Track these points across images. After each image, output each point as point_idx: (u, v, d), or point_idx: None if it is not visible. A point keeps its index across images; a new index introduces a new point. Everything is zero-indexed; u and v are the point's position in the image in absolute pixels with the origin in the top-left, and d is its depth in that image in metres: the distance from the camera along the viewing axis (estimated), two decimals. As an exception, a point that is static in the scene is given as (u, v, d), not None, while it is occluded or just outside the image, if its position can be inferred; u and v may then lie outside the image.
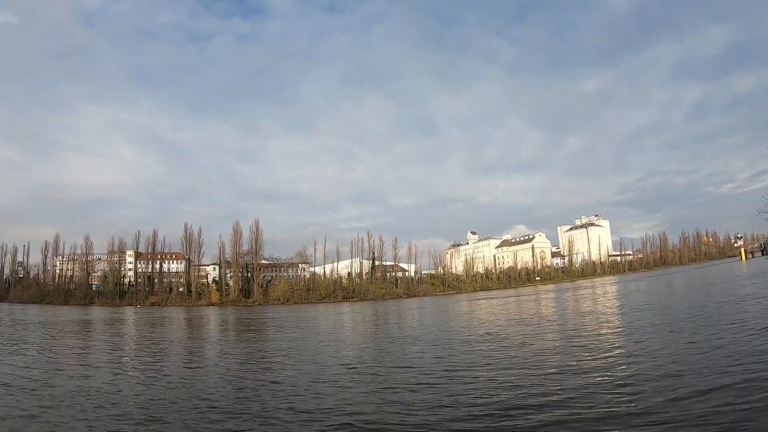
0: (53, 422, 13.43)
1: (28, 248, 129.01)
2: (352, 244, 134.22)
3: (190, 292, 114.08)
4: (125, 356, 27.74)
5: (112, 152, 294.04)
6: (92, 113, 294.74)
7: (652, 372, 15.30)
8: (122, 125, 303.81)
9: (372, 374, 18.71)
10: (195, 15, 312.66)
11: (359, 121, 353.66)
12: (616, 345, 21.21)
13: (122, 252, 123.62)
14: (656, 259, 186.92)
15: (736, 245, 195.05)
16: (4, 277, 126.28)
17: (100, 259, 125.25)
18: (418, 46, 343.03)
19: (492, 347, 23.95)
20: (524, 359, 19.88)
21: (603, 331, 26.08)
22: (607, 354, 19.23)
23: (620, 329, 26.48)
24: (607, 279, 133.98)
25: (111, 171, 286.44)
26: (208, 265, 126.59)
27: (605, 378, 15.21)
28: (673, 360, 16.77)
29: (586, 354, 19.60)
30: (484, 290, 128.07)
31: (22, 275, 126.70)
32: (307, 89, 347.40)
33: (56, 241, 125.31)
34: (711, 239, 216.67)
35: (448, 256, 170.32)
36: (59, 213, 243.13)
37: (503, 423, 11.76)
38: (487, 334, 30.03)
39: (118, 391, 17.14)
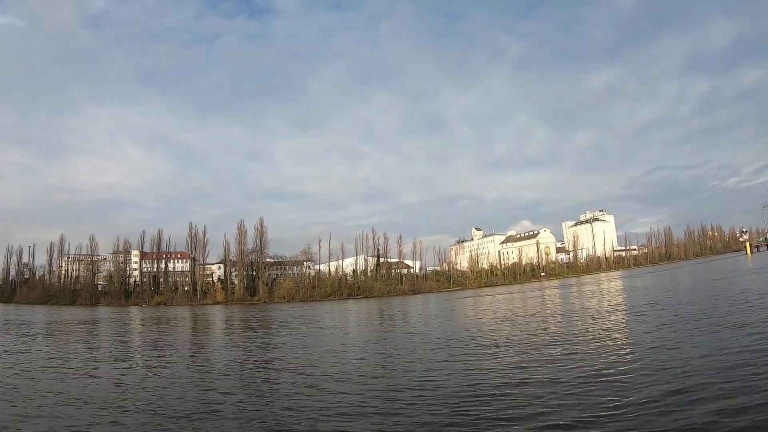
0: (57, 422, 13.40)
1: (33, 249, 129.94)
2: (356, 241, 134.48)
3: (196, 291, 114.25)
4: (130, 356, 27.58)
5: (120, 154, 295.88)
6: (100, 116, 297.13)
7: (645, 373, 14.82)
8: (130, 127, 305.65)
9: (376, 375, 18.35)
10: (201, 15, 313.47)
11: (367, 119, 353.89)
12: (613, 346, 20.41)
13: (127, 252, 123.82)
14: (661, 253, 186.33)
15: (741, 239, 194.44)
16: (10, 278, 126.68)
17: (105, 259, 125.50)
18: (425, 42, 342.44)
19: (489, 345, 23.65)
20: (519, 357, 19.62)
21: (602, 330, 25.41)
22: (604, 355, 18.55)
23: (618, 329, 25.72)
24: (612, 274, 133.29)
25: (119, 173, 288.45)
26: (213, 264, 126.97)
27: (597, 379, 14.77)
28: (670, 362, 16.00)
29: (585, 354, 19.00)
30: (489, 286, 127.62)
31: (27, 276, 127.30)
32: (315, 88, 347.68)
33: (61, 242, 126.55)
34: (716, 233, 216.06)
35: (452, 252, 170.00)
36: (67, 216, 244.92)
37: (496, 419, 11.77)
38: (487, 331, 29.80)
39: (122, 392, 17.09)
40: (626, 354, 18.23)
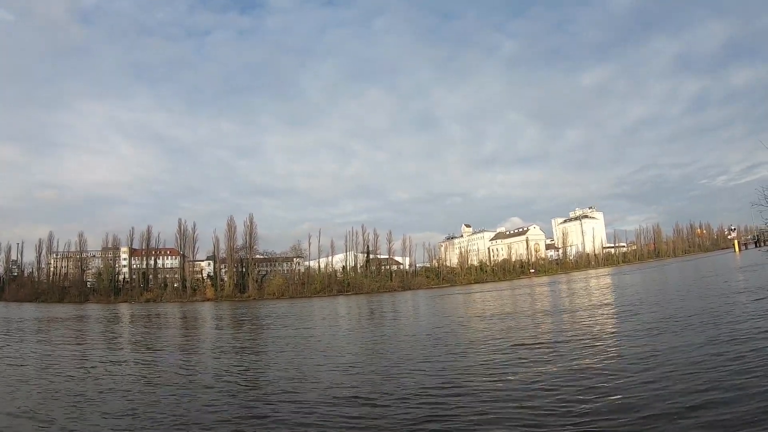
0: (48, 421, 13.28)
1: (21, 246, 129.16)
2: (346, 237, 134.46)
3: (185, 287, 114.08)
4: (117, 353, 27.25)
5: (110, 150, 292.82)
6: (89, 111, 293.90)
7: (626, 374, 14.42)
8: (120, 122, 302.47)
9: (364, 373, 18.12)
10: (193, 10, 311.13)
11: (358, 116, 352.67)
12: (593, 344, 20.17)
13: (116, 249, 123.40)
14: (650, 251, 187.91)
15: (729, 237, 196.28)
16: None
17: (94, 256, 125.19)
18: (418, 39, 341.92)
19: (471, 343, 23.63)
20: (499, 355, 19.49)
21: (584, 328, 25.05)
22: (583, 355, 18.19)
23: (601, 326, 25.46)
24: (601, 271, 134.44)
25: (109, 169, 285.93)
26: (202, 261, 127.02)
27: (574, 379, 14.45)
28: (652, 363, 15.49)
29: (566, 353, 18.62)
30: (479, 283, 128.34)
31: (16, 274, 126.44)
32: (307, 84, 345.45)
33: (50, 239, 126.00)
34: (705, 231, 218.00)
35: (442, 249, 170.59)
36: (56, 212, 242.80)
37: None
38: (472, 329, 29.66)
39: (110, 390, 16.78)
40: (605, 353, 18.14)
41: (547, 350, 19.66)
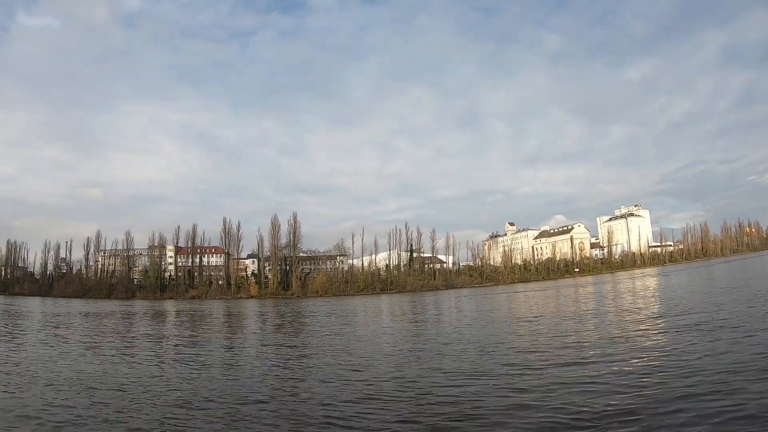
0: (99, 413, 13.30)
1: (70, 244, 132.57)
2: (390, 236, 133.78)
3: (230, 285, 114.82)
4: (168, 348, 27.98)
5: (155, 150, 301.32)
6: (134, 112, 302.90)
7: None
8: (164, 123, 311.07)
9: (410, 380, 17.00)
10: (236, 12, 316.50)
11: (401, 114, 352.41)
12: (638, 353, 18.41)
13: (162, 247, 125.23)
14: (697, 250, 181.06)
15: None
16: (48, 272, 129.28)
17: (141, 254, 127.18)
18: (460, 36, 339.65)
19: (517, 348, 22.04)
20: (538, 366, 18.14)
21: (628, 336, 23.01)
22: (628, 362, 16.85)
23: (648, 337, 22.69)
24: (647, 270, 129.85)
25: (153, 168, 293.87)
26: (246, 259, 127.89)
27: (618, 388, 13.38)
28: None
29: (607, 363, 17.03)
30: (523, 282, 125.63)
31: (65, 271, 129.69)
32: (349, 83, 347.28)
33: (98, 237, 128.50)
34: (754, 230, 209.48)
35: (486, 247, 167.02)
36: (102, 210, 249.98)
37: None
38: (516, 333, 28.17)
39: (156, 381, 17.37)
40: (650, 365, 16.41)
41: (590, 353, 18.76)
